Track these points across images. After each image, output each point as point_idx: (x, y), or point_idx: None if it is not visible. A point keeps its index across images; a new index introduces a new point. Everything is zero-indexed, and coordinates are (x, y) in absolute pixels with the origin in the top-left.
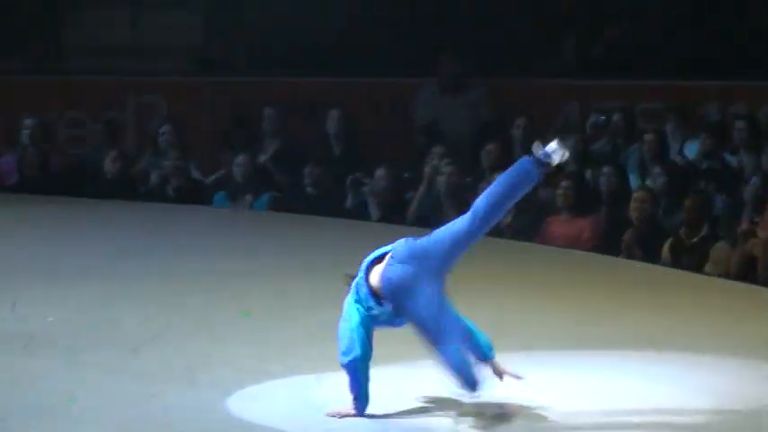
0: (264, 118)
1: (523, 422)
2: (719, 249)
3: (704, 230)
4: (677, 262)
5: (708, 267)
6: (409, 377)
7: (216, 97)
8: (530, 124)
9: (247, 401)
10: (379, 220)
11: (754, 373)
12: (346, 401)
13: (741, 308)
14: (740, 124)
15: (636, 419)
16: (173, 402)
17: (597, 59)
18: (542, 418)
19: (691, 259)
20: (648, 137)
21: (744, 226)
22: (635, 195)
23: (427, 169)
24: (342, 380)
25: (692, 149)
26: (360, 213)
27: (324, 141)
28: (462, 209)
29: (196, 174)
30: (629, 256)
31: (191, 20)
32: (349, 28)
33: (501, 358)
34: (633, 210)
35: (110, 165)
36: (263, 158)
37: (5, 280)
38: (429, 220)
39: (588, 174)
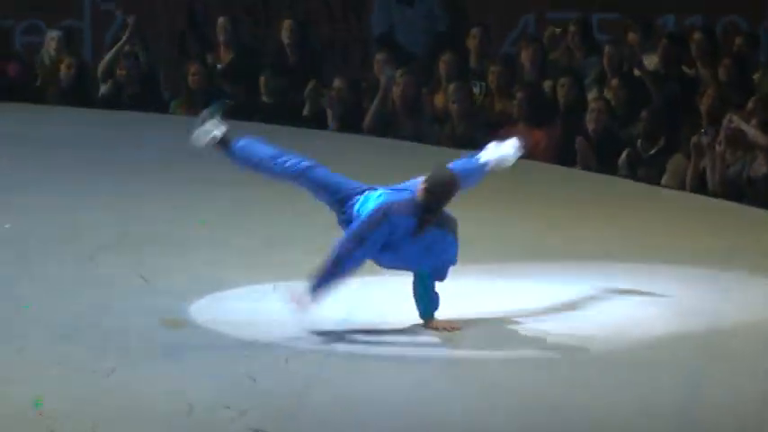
0: (218, 26)
1: (482, 334)
2: (676, 161)
3: (661, 142)
4: (633, 174)
5: (665, 179)
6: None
7: (170, 3)
8: (486, 34)
9: (204, 309)
10: (337, 130)
11: (710, 285)
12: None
13: (695, 220)
14: (698, 36)
15: (592, 329)
16: (130, 309)
17: None
18: (501, 329)
19: (648, 171)
20: (608, 49)
21: (696, 139)
22: (591, 105)
23: (382, 79)
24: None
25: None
26: (317, 122)
27: (279, 50)
28: (416, 120)
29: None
30: (585, 167)
31: None
32: None
33: (460, 269)
34: (589, 120)
35: (65, 71)
36: (218, 67)
37: None
38: (384, 130)
39: (546, 85)
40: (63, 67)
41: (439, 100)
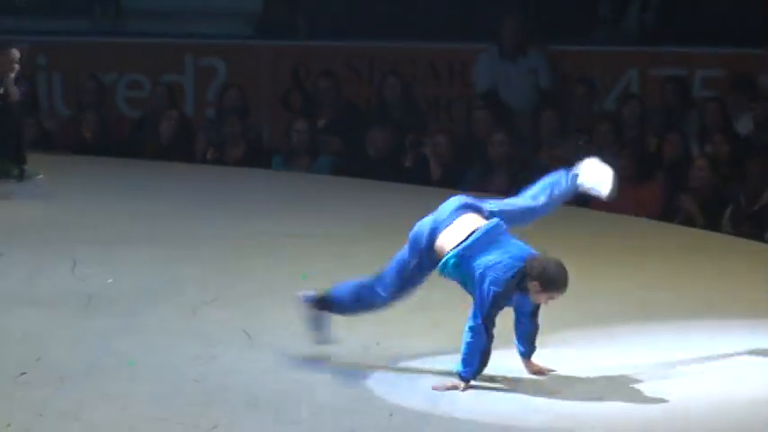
0: (322, 83)
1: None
2: None
3: (765, 198)
4: (738, 230)
5: None
6: None
7: (275, 61)
8: (590, 91)
9: (307, 365)
10: (439, 184)
11: None
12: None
13: None
14: None
15: (702, 388)
16: (231, 364)
17: (656, 26)
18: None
19: (752, 227)
20: (710, 105)
21: None
22: (696, 163)
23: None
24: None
25: (745, 123)
26: (419, 174)
27: (382, 107)
28: (514, 179)
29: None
30: (689, 223)
31: None
32: None
33: (568, 330)
34: (694, 178)
35: (167, 127)
36: (320, 123)
37: (66, 241)
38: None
39: (650, 142)
40: (166, 124)
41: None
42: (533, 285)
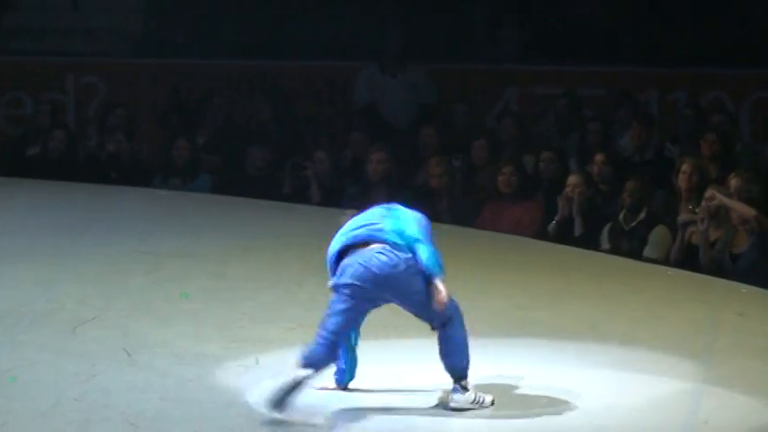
0: (203, 100)
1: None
2: (658, 233)
3: (642, 214)
4: (616, 247)
5: (646, 251)
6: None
7: (155, 79)
8: (470, 110)
9: (185, 383)
10: (319, 204)
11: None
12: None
13: (682, 295)
14: (687, 112)
15: (576, 410)
16: (111, 383)
17: (537, 45)
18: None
19: (630, 244)
20: (593, 125)
21: (683, 216)
22: (570, 180)
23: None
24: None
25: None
26: (298, 197)
27: (261, 124)
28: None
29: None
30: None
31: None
32: (288, 11)
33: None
34: (564, 197)
35: (56, 145)
36: (200, 141)
37: None
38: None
39: (527, 160)
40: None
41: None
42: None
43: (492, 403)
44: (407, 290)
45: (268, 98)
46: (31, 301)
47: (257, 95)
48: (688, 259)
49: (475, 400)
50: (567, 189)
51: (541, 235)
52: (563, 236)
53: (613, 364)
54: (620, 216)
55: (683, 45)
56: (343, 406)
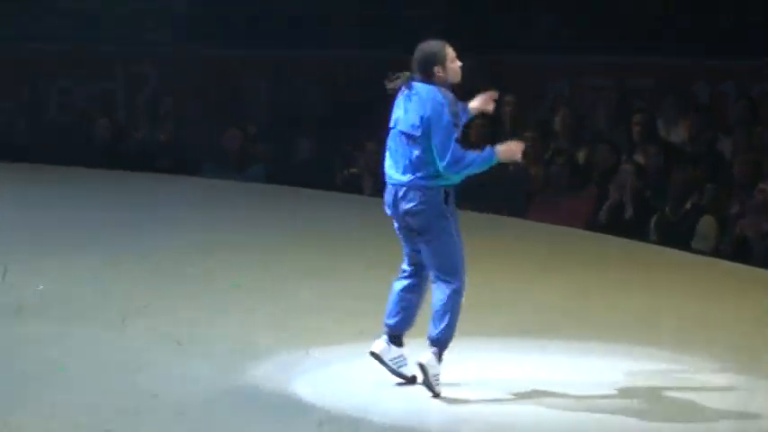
0: (253, 90)
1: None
2: (706, 224)
3: (688, 205)
4: (663, 238)
5: (694, 242)
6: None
7: (205, 69)
8: (518, 102)
9: (234, 373)
10: (371, 194)
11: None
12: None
13: (734, 288)
14: (743, 102)
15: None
16: (161, 373)
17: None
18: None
19: (677, 235)
20: (638, 117)
21: (735, 208)
22: (621, 167)
23: None
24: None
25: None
26: (351, 187)
27: (311, 114)
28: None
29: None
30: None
31: None
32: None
33: (495, 339)
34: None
35: (102, 133)
36: (252, 130)
37: None
38: None
39: (581, 152)
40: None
41: None
42: (438, 69)
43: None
44: None
45: (320, 87)
46: (81, 292)
47: (308, 85)
48: (739, 251)
49: (435, 379)
50: (619, 176)
51: (593, 225)
52: (613, 222)
53: (664, 357)
54: (667, 207)
55: (728, 36)
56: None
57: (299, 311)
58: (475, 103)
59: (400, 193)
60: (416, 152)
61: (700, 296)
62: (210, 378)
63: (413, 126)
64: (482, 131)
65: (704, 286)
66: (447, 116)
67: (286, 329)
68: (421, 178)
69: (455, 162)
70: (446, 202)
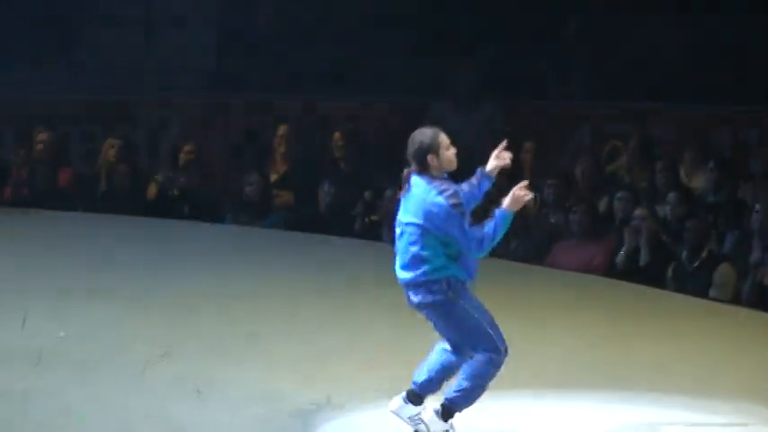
0: (276, 137)
1: None
2: (723, 272)
3: (704, 254)
4: (680, 287)
5: (712, 291)
6: None
7: (228, 115)
8: (539, 148)
9: (256, 421)
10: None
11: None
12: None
13: (754, 336)
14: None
15: None
16: (182, 421)
17: (610, 83)
18: None
19: (695, 284)
20: (661, 164)
21: (755, 255)
22: (637, 212)
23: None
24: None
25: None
26: (371, 234)
27: (334, 162)
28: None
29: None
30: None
31: (204, 38)
32: (361, 49)
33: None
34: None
35: (122, 180)
36: (273, 177)
37: (16, 295)
38: None
39: (602, 200)
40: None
41: None
42: (432, 158)
43: None
44: None
45: (341, 135)
46: (102, 339)
47: (328, 132)
48: (760, 300)
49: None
50: (634, 222)
51: (610, 272)
52: (629, 268)
53: (687, 405)
54: (683, 256)
55: (754, 85)
56: None
57: (321, 359)
58: (491, 165)
59: (406, 291)
60: (414, 249)
61: (721, 343)
62: (230, 426)
63: (408, 224)
64: (498, 179)
65: (725, 333)
66: (446, 210)
67: (307, 377)
68: (421, 275)
69: (479, 244)
70: (450, 289)
